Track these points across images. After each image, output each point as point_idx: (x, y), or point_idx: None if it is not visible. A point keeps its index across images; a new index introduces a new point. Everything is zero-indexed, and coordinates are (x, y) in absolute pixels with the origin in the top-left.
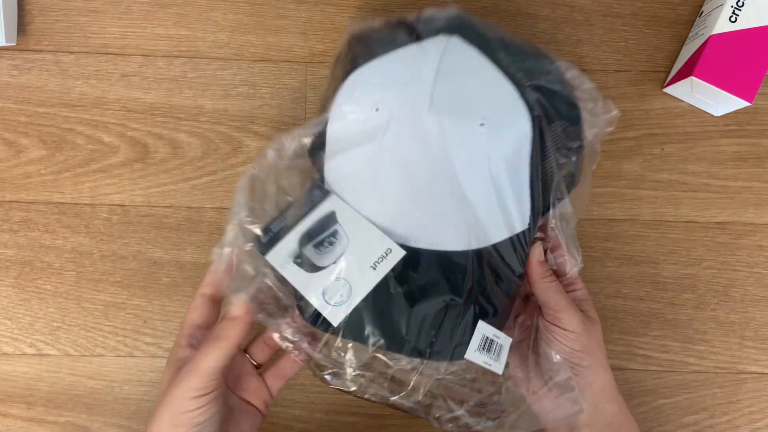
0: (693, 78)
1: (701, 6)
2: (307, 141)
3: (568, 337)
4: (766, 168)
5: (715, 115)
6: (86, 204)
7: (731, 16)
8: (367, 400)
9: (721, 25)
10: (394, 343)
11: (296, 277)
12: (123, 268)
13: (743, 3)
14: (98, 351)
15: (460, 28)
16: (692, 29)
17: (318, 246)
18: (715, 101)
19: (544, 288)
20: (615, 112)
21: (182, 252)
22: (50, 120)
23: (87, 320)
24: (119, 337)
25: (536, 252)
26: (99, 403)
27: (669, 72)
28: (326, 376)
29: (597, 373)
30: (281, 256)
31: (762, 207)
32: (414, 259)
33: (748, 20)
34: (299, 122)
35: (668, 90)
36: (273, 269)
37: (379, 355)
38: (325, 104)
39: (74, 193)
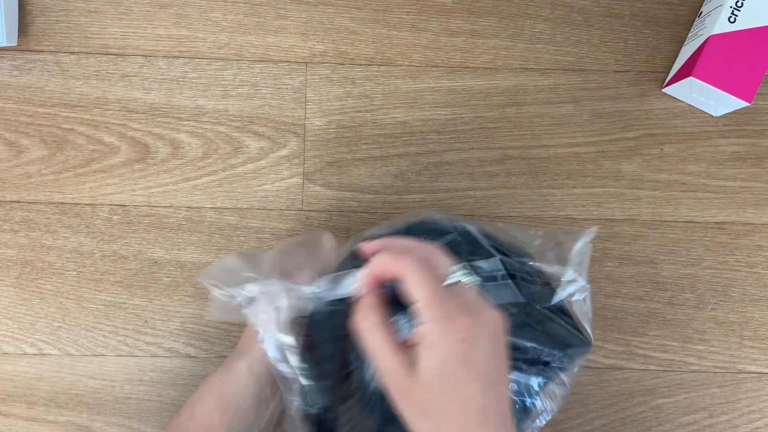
0: (692, 78)
1: (700, 6)
2: None
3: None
4: (764, 168)
5: (714, 115)
6: (87, 204)
7: (730, 17)
8: None
9: (720, 25)
10: None
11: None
12: (124, 267)
13: (742, 4)
14: (99, 350)
15: None
16: (691, 30)
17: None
18: (714, 101)
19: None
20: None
21: (183, 252)
22: (51, 120)
23: (88, 320)
24: (120, 337)
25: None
26: (99, 403)
27: (668, 72)
28: None
29: None
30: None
31: (761, 207)
32: None
33: (747, 21)
34: (299, 122)
35: (667, 90)
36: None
37: None
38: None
39: (75, 193)
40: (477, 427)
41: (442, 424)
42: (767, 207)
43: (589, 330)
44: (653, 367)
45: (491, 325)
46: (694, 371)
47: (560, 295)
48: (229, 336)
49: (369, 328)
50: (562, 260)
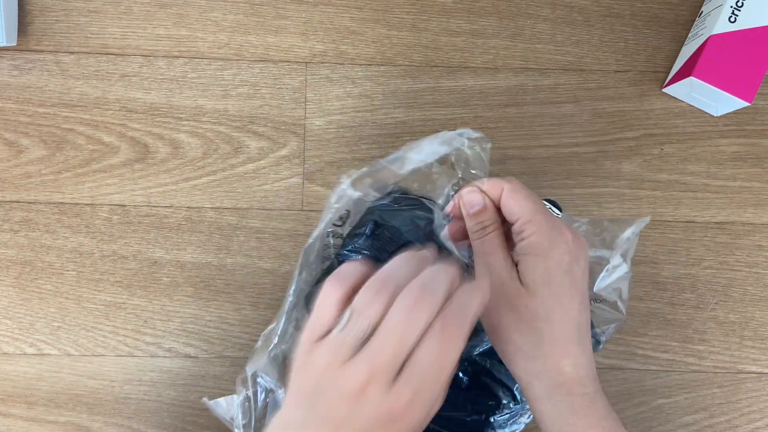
0: (692, 78)
1: (701, 6)
2: None
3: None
4: (765, 168)
5: (715, 115)
6: (87, 204)
7: (730, 17)
8: None
9: (721, 25)
10: None
11: None
12: (123, 267)
13: (742, 3)
14: (99, 351)
15: None
16: (692, 29)
17: None
18: (715, 101)
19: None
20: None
21: (182, 252)
22: (51, 120)
23: (87, 320)
24: (120, 337)
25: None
26: (99, 403)
27: (668, 72)
28: None
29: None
30: None
31: (761, 207)
32: None
33: (747, 20)
34: (299, 122)
35: (667, 90)
36: None
37: None
38: None
39: (75, 193)
40: (575, 343)
41: (545, 333)
42: (767, 207)
43: (623, 309)
44: (653, 368)
45: (585, 247)
46: (695, 371)
47: (605, 280)
48: (229, 336)
49: (491, 235)
50: (607, 246)
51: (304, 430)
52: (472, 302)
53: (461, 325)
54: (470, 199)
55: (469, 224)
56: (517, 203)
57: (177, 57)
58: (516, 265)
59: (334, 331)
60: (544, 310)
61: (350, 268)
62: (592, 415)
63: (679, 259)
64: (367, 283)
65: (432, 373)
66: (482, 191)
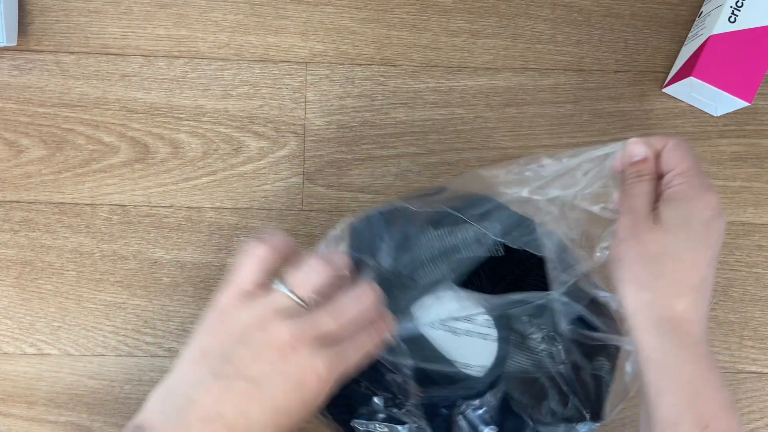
0: (692, 78)
1: (700, 6)
2: None
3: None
4: (765, 168)
5: (714, 115)
6: (87, 204)
7: (730, 17)
8: None
9: (721, 25)
10: None
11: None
12: (123, 267)
13: (742, 3)
14: (99, 351)
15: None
16: (691, 29)
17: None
18: (715, 101)
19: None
20: None
21: (183, 252)
22: (51, 120)
23: (87, 320)
24: (120, 337)
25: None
26: (99, 403)
27: (668, 72)
28: None
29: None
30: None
31: (761, 207)
32: None
33: (747, 20)
34: (299, 122)
35: (667, 90)
36: None
37: None
38: None
39: (75, 193)
40: (695, 290)
41: (667, 270)
42: (767, 207)
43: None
44: None
45: (724, 220)
46: None
47: None
48: None
49: (643, 183)
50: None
51: (208, 388)
52: (384, 329)
53: (383, 336)
54: (634, 149)
55: (628, 172)
56: (678, 154)
57: (177, 57)
58: (656, 211)
59: (278, 291)
60: (675, 248)
61: (279, 241)
62: (697, 359)
63: None
64: (312, 261)
65: (353, 358)
66: (646, 144)
